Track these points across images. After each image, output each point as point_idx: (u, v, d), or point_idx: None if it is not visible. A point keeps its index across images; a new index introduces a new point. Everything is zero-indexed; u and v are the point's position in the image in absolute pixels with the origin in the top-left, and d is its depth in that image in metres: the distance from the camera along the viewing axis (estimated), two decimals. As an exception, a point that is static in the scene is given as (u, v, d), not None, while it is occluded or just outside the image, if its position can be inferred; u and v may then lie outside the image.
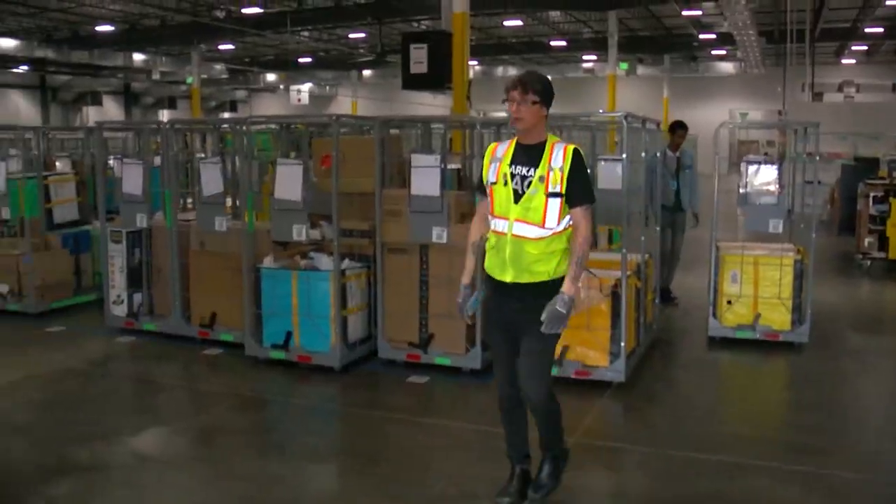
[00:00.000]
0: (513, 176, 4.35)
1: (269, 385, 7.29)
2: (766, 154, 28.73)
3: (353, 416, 6.61)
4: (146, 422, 6.48)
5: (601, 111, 14.56)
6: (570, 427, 5.95)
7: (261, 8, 26.82)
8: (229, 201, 9.20)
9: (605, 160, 7.81)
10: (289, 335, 7.52)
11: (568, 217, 4.35)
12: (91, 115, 41.54)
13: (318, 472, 5.51)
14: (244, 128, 8.18)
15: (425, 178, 7.09)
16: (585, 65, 39.22)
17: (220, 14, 27.55)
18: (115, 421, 6.35)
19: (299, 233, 7.38)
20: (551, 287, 4.32)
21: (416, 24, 27.76)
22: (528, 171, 4.32)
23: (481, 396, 6.80)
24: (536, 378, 4.46)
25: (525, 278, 4.36)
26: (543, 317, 4.22)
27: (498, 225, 4.42)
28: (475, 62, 38.35)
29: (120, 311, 8.80)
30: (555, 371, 6.80)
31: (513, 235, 4.34)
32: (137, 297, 8.82)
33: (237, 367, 7.64)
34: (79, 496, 5.04)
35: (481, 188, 4.61)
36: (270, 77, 44.78)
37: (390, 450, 5.80)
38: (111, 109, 45.41)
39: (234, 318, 8.00)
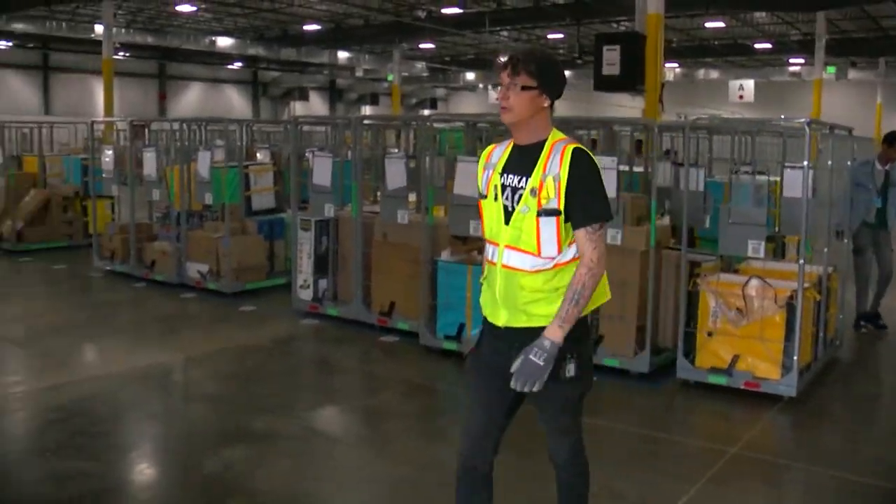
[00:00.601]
0: (503, 188, 3.36)
1: (439, 374, 7.52)
2: None
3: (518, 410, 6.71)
4: (320, 399, 6.85)
5: (783, 117, 13.98)
6: (732, 437, 5.90)
7: (460, 8, 27.33)
8: (413, 195, 9.51)
9: (790, 167, 7.57)
10: (461, 327, 7.71)
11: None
12: (297, 109, 43.54)
13: (476, 460, 5.64)
14: (428, 125, 8.43)
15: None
16: (791, 68, 37.67)
17: (421, 14, 28.28)
18: (291, 396, 6.76)
19: (475, 228, 7.54)
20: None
21: (614, 26, 27.54)
22: (519, 182, 3.31)
23: (647, 400, 6.79)
24: (563, 434, 3.60)
25: (521, 321, 3.35)
26: (514, 367, 3.22)
27: (489, 252, 3.46)
28: (675, 64, 37.63)
29: (306, 295, 9.26)
30: (723, 380, 6.72)
31: (503, 266, 3.35)
32: (323, 283, 9.26)
33: (411, 355, 7.91)
34: (250, 461, 5.39)
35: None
36: (469, 76, 45.50)
37: (546, 445, 5.84)
38: (316, 104, 47.43)
39: (412, 307, 8.27)
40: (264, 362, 7.78)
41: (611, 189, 6.95)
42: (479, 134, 10.96)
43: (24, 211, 13.61)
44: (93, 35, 29.32)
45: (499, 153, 3.45)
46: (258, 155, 12.97)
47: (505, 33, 33.06)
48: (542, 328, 3.24)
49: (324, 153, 9.48)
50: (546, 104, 3.32)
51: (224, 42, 33.94)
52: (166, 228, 11.25)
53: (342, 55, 37.88)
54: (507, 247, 3.33)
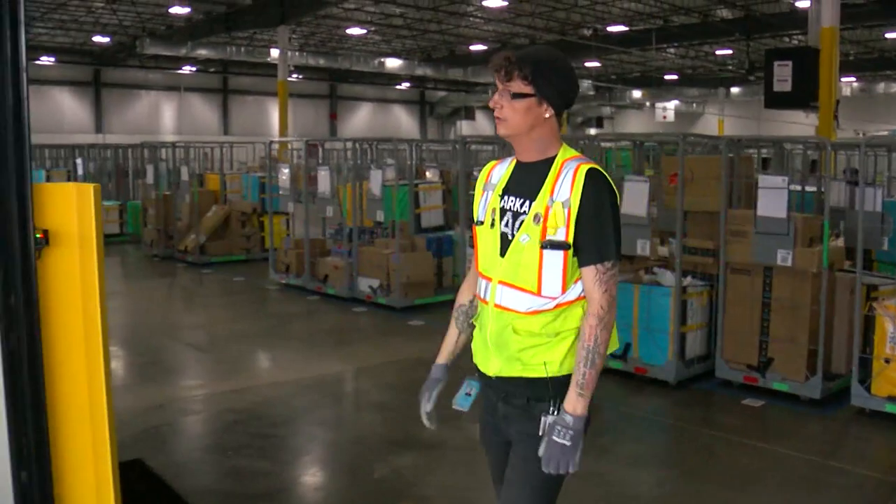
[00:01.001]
0: (503, 212, 2.81)
1: (603, 392, 7.37)
2: None
3: (681, 430, 6.68)
4: (485, 413, 6.99)
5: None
6: (887, 461, 5.66)
7: (626, 26, 27.19)
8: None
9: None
10: (627, 346, 7.70)
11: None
12: (464, 128, 44.21)
13: (635, 476, 5.65)
14: (595, 144, 8.49)
15: (772, 199, 6.99)
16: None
17: (586, 32, 28.29)
18: (458, 409, 6.93)
19: (643, 247, 7.54)
20: (554, 387, 2.76)
21: (786, 40, 26.76)
22: (521, 206, 2.76)
23: (816, 426, 6.60)
24: None
25: (514, 371, 2.80)
26: (541, 451, 2.72)
27: (481, 288, 2.91)
28: (852, 78, 36.12)
29: (472, 311, 9.43)
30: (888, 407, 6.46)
31: (495, 306, 2.81)
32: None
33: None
34: (418, 468, 5.61)
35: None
36: (636, 94, 45.06)
37: (710, 467, 5.81)
38: (482, 123, 47.95)
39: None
40: (431, 375, 7.99)
41: (781, 209, 6.88)
42: (647, 153, 10.93)
43: (206, 226, 14.46)
44: (268, 59, 30.87)
45: (500, 172, 2.91)
46: (427, 173, 13.33)
47: (672, 50, 32.65)
48: (540, 379, 2.77)
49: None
50: (548, 115, 2.75)
51: (392, 63, 34.93)
52: (339, 244, 11.69)
53: (508, 74, 38.19)
54: (500, 283, 2.79)
